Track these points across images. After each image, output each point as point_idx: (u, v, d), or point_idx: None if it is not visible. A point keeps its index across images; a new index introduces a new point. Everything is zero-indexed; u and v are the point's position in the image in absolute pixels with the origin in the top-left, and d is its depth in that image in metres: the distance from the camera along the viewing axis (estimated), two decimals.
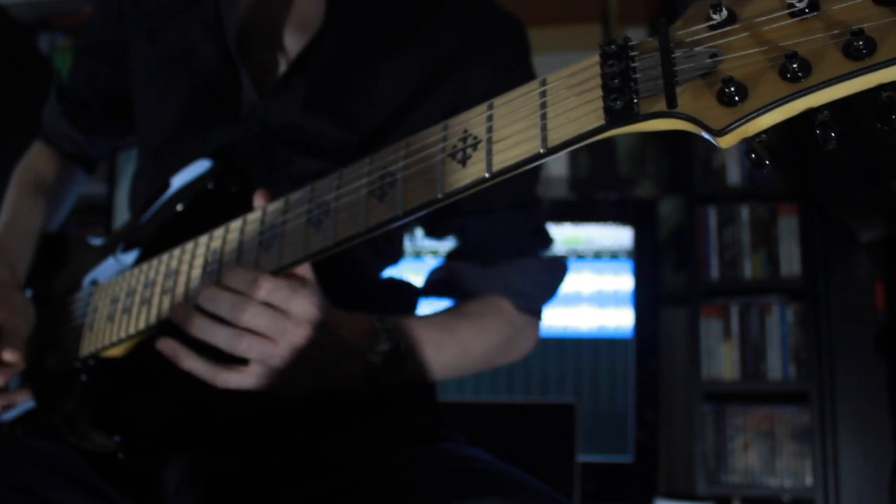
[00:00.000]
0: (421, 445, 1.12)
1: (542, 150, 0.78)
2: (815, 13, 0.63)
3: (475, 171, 0.83)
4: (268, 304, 0.98)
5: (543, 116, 0.79)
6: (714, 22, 0.69)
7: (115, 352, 1.16)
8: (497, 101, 0.84)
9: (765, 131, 0.65)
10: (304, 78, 1.23)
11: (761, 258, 3.25)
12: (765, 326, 3.21)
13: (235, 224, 1.07)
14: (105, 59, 1.44)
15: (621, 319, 3.30)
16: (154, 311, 1.09)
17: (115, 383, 1.18)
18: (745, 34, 0.67)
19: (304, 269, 1.02)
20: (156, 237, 1.21)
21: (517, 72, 1.31)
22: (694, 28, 0.70)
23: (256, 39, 1.29)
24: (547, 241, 1.34)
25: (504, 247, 1.30)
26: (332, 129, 1.23)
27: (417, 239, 3.36)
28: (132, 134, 1.56)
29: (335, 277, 1.07)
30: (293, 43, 1.28)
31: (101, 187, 3.61)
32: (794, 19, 0.64)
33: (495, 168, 0.81)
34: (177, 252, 1.12)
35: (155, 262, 1.14)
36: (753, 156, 0.65)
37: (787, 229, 3.24)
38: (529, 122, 0.80)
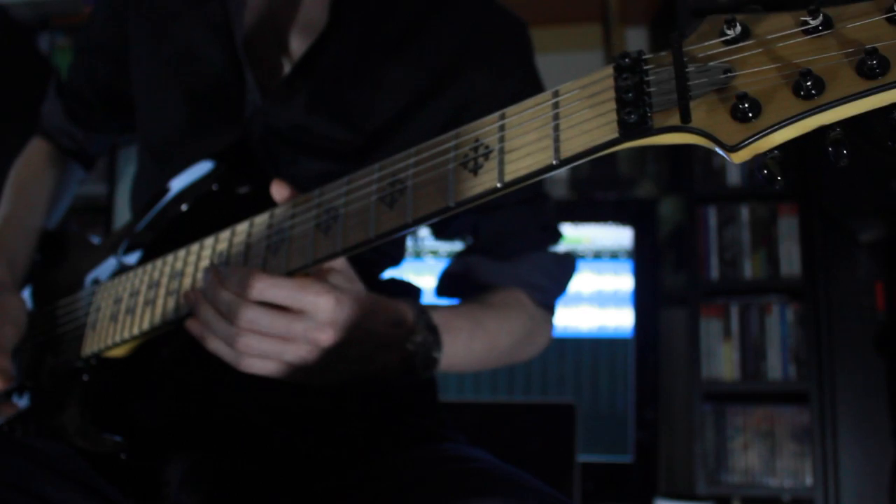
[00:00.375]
0: (422, 446, 1.13)
1: (554, 162, 0.78)
2: (829, 31, 0.64)
3: (487, 180, 0.83)
4: (269, 304, 0.96)
5: (556, 128, 0.79)
6: (728, 37, 0.69)
7: (118, 352, 1.16)
8: (509, 111, 0.84)
9: (777, 147, 0.66)
10: (308, 79, 1.23)
11: (761, 258, 3.25)
12: (765, 326, 3.21)
13: (242, 227, 1.06)
14: (107, 58, 1.44)
15: (621, 319, 3.30)
16: (158, 312, 1.09)
17: (116, 383, 1.18)
18: (759, 50, 0.67)
19: (338, 261, 1.00)
20: (159, 238, 1.21)
21: (522, 73, 1.32)
22: (708, 43, 0.71)
23: (261, 41, 1.29)
24: (556, 236, 1.36)
25: (516, 242, 1.31)
26: (336, 129, 1.23)
27: (418, 239, 3.37)
28: (131, 132, 1.56)
29: None
30: (298, 44, 1.28)
31: (101, 187, 3.61)
32: (807, 37, 0.65)
33: (507, 178, 0.81)
34: (181, 253, 1.12)
35: (159, 262, 1.14)
36: (766, 171, 0.65)
37: (787, 229, 3.24)
38: (542, 132, 0.80)
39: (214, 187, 1.18)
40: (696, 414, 3.18)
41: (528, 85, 1.32)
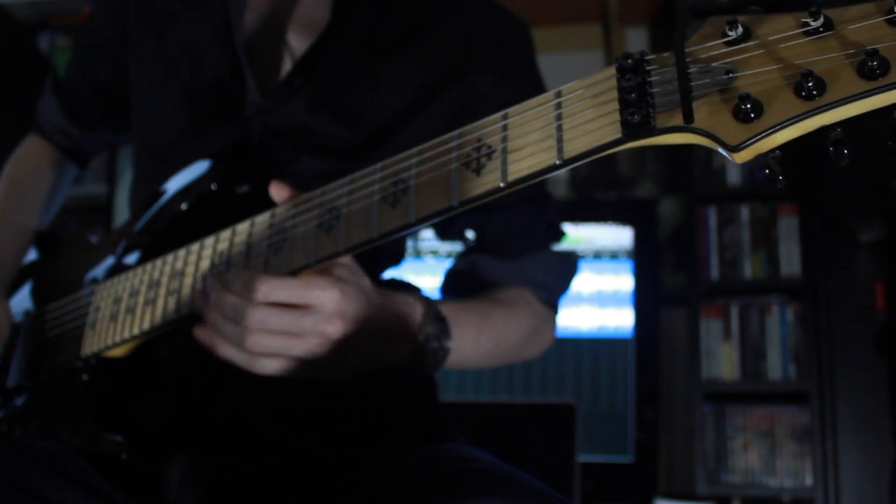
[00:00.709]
0: (422, 445, 1.13)
1: (557, 162, 0.78)
2: (830, 32, 0.65)
3: (490, 180, 0.83)
4: (274, 304, 0.96)
5: (559, 128, 0.79)
6: (730, 38, 0.70)
7: (118, 352, 1.16)
8: (512, 111, 0.85)
9: (779, 147, 0.66)
10: (309, 78, 1.23)
11: (761, 258, 3.25)
12: (765, 326, 3.21)
13: (243, 226, 1.06)
14: (106, 57, 1.44)
15: (621, 319, 3.30)
16: (159, 312, 1.09)
17: (116, 383, 1.18)
18: (761, 51, 0.68)
19: (343, 257, 1.00)
20: (158, 237, 1.21)
21: (524, 74, 1.33)
22: (710, 44, 0.71)
23: (261, 41, 1.29)
24: (559, 234, 1.36)
25: (521, 240, 1.31)
26: (336, 128, 1.23)
27: (418, 239, 3.37)
28: (126, 132, 1.56)
29: None
30: (298, 43, 1.28)
31: (101, 187, 3.61)
32: (808, 38, 0.65)
33: (511, 178, 0.82)
34: (182, 253, 1.12)
35: (159, 262, 1.14)
36: (768, 171, 0.66)
37: (787, 229, 3.24)
38: (545, 133, 0.80)
39: (213, 187, 1.18)
40: (696, 414, 3.18)
41: (530, 86, 1.32)
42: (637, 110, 0.72)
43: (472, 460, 1.01)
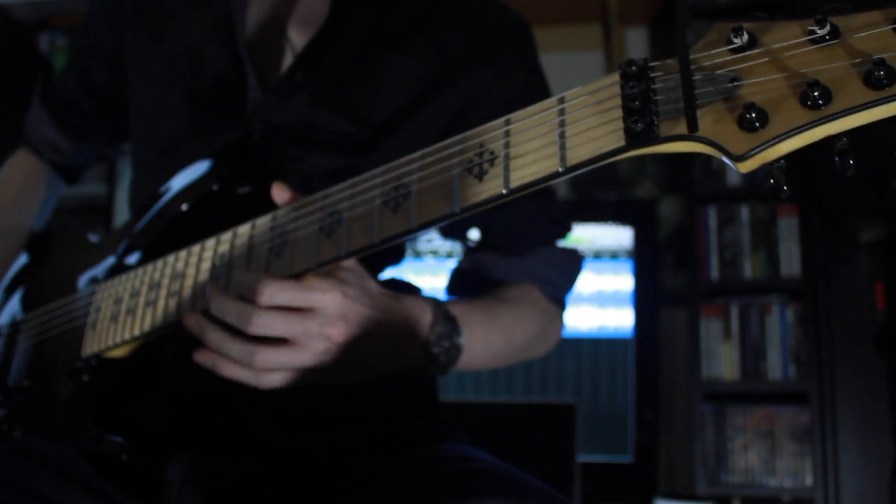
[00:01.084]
0: (422, 446, 1.13)
1: (560, 169, 0.78)
2: (836, 41, 0.64)
3: (492, 186, 0.83)
4: (279, 308, 0.96)
5: (562, 135, 0.79)
6: (735, 46, 0.69)
7: (119, 352, 1.15)
8: (514, 116, 0.84)
9: (784, 157, 0.66)
10: (310, 73, 1.23)
11: (761, 258, 3.25)
12: (765, 326, 3.21)
13: (244, 228, 1.06)
14: (102, 58, 1.44)
15: (621, 319, 3.30)
16: (160, 314, 1.09)
17: (117, 384, 1.17)
18: (766, 59, 0.67)
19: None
20: (158, 238, 1.20)
21: (526, 72, 1.33)
22: (715, 51, 0.71)
23: (262, 38, 1.29)
24: (565, 230, 1.36)
25: (527, 237, 1.31)
26: (339, 123, 1.23)
27: (418, 239, 3.37)
28: (119, 142, 1.55)
29: None
30: (299, 38, 1.28)
31: (101, 187, 3.62)
32: (814, 46, 0.65)
33: (513, 185, 0.81)
34: (182, 254, 1.11)
35: (160, 263, 1.14)
36: (772, 181, 0.65)
37: (787, 229, 3.24)
38: (548, 139, 0.80)
39: (215, 187, 1.17)
40: (696, 414, 3.18)
41: (532, 83, 1.33)
42: (640, 118, 0.72)
43: (472, 460, 1.01)
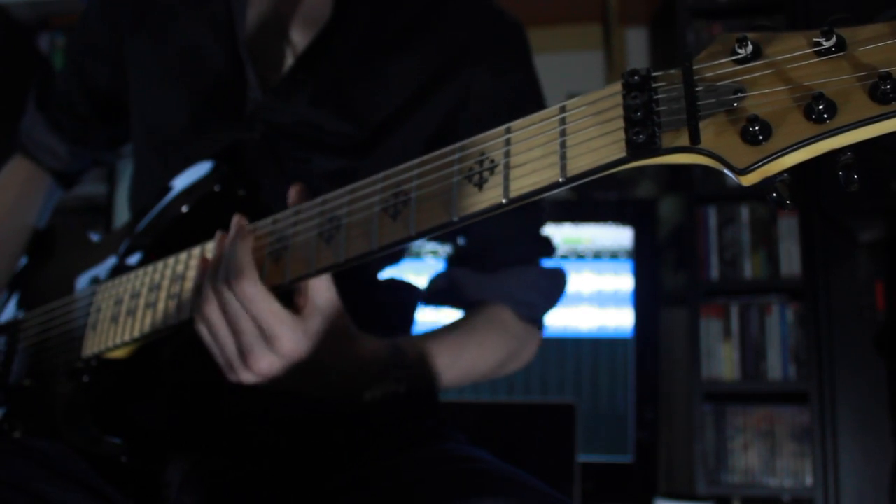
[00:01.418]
0: (422, 446, 1.13)
1: (560, 179, 0.77)
2: (842, 53, 0.63)
3: (492, 195, 0.82)
4: (243, 304, 0.98)
5: (563, 144, 0.78)
6: (739, 56, 0.68)
7: (119, 354, 1.16)
8: (515, 125, 0.84)
9: (787, 170, 0.65)
10: (311, 72, 1.23)
11: (761, 258, 3.25)
12: (765, 326, 3.21)
13: None
14: (104, 59, 1.43)
15: (621, 319, 3.30)
16: (160, 316, 1.09)
17: (117, 385, 1.17)
18: (771, 71, 0.66)
19: (321, 290, 1.00)
20: (159, 239, 1.20)
21: (522, 73, 1.33)
22: (718, 62, 0.70)
23: (263, 38, 1.28)
24: (549, 249, 1.35)
25: (506, 249, 1.30)
26: (339, 123, 1.23)
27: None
28: (117, 145, 1.55)
29: (337, 276, 1.05)
30: (300, 38, 1.28)
31: (101, 187, 3.62)
32: (820, 58, 0.64)
33: (513, 194, 0.81)
34: (183, 256, 1.11)
35: (160, 265, 1.13)
36: (775, 195, 0.65)
37: (787, 229, 3.24)
38: (548, 149, 0.79)
39: (216, 188, 1.17)
40: (696, 414, 3.18)
41: (526, 84, 1.33)
42: (642, 129, 0.71)
43: (472, 460, 1.01)
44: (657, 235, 3.49)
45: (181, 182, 1.20)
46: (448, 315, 1.34)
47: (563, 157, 0.78)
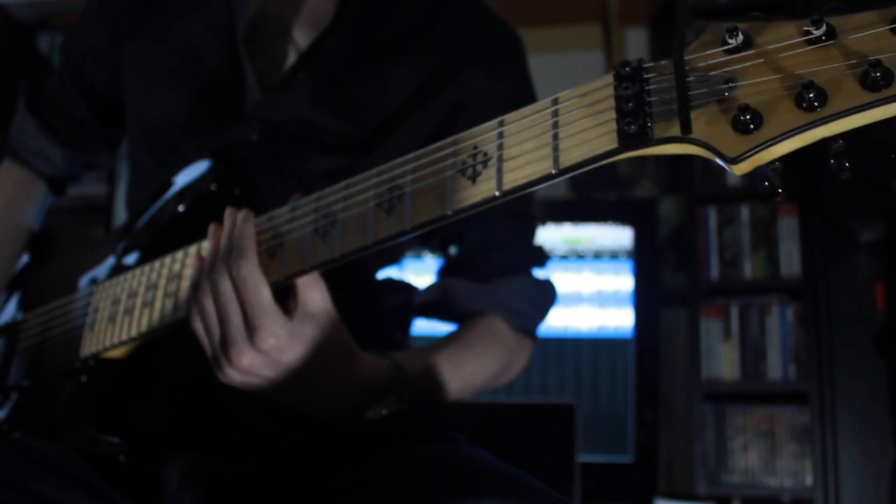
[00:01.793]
0: (421, 446, 1.13)
1: (553, 171, 0.77)
2: (832, 42, 0.63)
3: (485, 188, 0.82)
4: (238, 293, 0.96)
5: (555, 136, 0.78)
6: (730, 46, 0.68)
7: (116, 353, 1.15)
8: (508, 118, 0.84)
9: (779, 159, 0.65)
10: (311, 71, 1.23)
11: (761, 258, 3.25)
12: (765, 326, 3.21)
13: None
14: (101, 59, 1.42)
15: (621, 319, 3.30)
16: (157, 315, 1.09)
17: (115, 384, 1.17)
18: (761, 60, 0.66)
19: (312, 295, 0.99)
20: (156, 238, 1.20)
21: (518, 77, 1.35)
22: (709, 52, 0.70)
23: (264, 38, 1.29)
24: (542, 258, 1.35)
25: (500, 257, 1.31)
26: (338, 122, 1.23)
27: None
28: (110, 150, 1.54)
29: (334, 275, 1.05)
30: (302, 37, 1.28)
31: (101, 187, 3.62)
32: (810, 47, 0.64)
33: (506, 187, 0.81)
34: (179, 255, 1.11)
35: (157, 264, 1.14)
36: (767, 184, 0.65)
37: (787, 229, 3.24)
38: (541, 141, 0.79)
39: (213, 187, 1.17)
40: (696, 414, 3.18)
41: (522, 88, 1.34)
42: (634, 120, 0.71)
43: (472, 460, 1.01)
44: (657, 235, 3.49)
45: (179, 181, 1.20)
46: (440, 326, 1.34)
47: (555, 150, 0.78)
